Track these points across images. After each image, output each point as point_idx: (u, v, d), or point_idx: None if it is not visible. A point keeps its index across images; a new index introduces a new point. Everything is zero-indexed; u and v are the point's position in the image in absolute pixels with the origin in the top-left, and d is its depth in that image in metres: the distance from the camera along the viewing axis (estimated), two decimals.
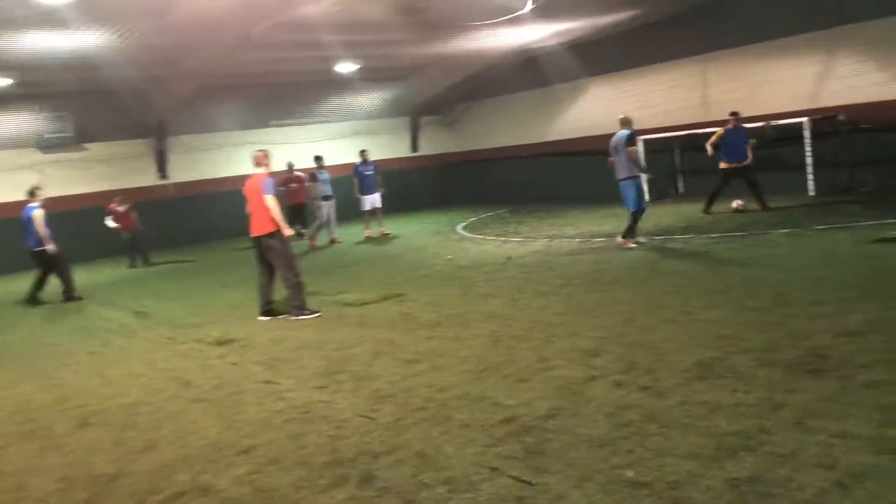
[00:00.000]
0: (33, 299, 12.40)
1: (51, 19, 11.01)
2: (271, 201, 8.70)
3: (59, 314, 11.37)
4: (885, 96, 13.64)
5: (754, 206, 13.39)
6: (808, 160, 14.40)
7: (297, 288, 8.83)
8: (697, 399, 4.65)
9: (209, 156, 20.19)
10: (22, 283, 13.50)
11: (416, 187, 23.20)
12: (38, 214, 12.03)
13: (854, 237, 9.73)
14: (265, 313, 9.00)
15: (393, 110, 23.23)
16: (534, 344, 6.44)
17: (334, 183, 16.85)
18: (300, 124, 21.94)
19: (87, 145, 18.72)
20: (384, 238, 16.38)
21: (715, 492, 3.47)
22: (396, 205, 20.16)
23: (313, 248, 15.97)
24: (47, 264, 12.33)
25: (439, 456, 4.29)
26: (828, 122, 14.38)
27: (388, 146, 23.18)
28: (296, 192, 17.90)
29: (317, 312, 8.82)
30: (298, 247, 16.38)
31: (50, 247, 12.02)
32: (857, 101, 14.19)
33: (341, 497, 3.94)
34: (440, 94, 22.83)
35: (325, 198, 16.52)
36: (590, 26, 16.62)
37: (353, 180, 16.68)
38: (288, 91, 20.40)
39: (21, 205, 12.56)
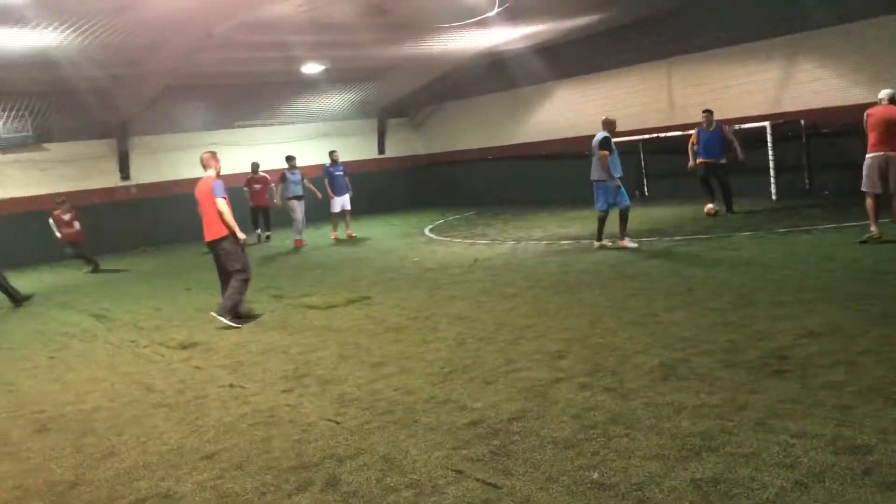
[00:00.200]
0: None
1: (8, 16, 10.76)
2: (222, 204, 8.44)
3: (17, 318, 11.10)
4: (844, 101, 13.92)
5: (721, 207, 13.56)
6: (771, 164, 14.64)
7: (239, 287, 8.61)
8: (661, 400, 4.70)
9: (173, 157, 19.86)
10: None
11: (383, 189, 23.10)
12: None
13: (814, 240, 9.93)
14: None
15: (360, 112, 23.10)
16: (500, 346, 6.45)
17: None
18: (266, 125, 21.75)
19: (47, 145, 18.31)
20: (351, 240, 16.29)
21: (678, 492, 3.50)
22: (364, 207, 20.09)
23: (297, 248, 15.84)
24: None
25: (405, 459, 4.27)
26: (789, 126, 14.65)
27: (356, 148, 23.04)
28: (259, 193, 17.76)
29: (239, 326, 8.41)
30: (274, 249, 16.26)
31: None
32: (817, 106, 14.47)
33: (306, 502, 3.91)
34: (407, 96, 22.79)
35: (298, 198, 16.37)
36: (557, 29, 16.70)
37: (323, 181, 16.56)
38: (254, 92, 20.13)
39: None
